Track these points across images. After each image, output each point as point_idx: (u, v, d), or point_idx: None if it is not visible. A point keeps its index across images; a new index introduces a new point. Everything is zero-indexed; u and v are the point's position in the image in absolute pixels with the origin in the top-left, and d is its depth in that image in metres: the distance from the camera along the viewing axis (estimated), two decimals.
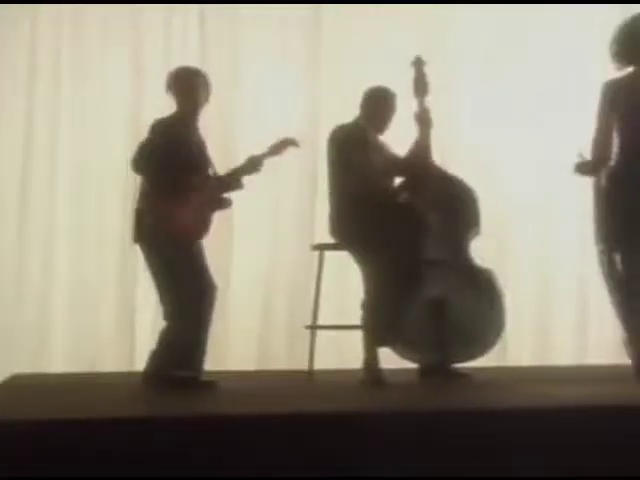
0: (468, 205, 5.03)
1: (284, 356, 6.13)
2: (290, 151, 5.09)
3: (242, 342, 6.20)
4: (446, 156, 5.97)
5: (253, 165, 4.91)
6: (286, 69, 6.42)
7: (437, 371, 5.00)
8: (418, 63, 5.13)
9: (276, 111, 6.26)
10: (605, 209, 4.44)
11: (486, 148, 6.38)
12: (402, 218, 4.80)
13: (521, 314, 6.28)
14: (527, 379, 5.01)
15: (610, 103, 4.28)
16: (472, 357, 5.02)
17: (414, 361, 5.08)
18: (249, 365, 6.04)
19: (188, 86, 4.80)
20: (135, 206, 4.78)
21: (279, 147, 5.00)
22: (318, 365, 5.32)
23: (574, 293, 6.46)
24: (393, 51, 6.12)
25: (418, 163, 5.00)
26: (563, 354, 6.29)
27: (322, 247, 5.29)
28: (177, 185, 4.62)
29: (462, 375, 4.98)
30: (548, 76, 6.40)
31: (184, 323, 4.62)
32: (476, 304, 4.94)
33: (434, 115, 5.06)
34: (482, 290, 4.97)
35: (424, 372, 5.06)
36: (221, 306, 5.94)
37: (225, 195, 4.89)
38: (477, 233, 5.11)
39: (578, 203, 5.82)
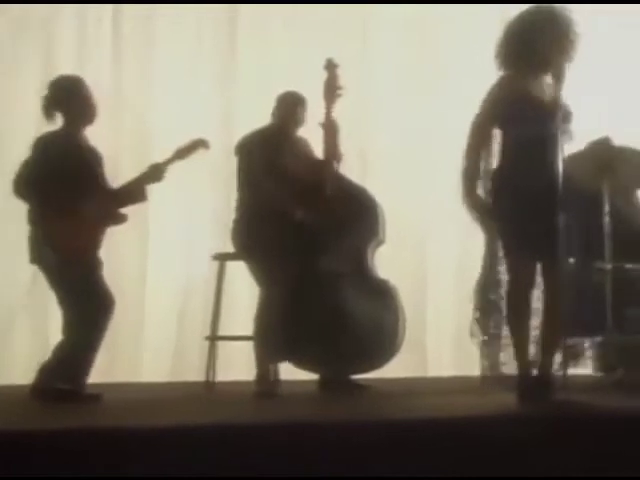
0: (367, 215, 4.91)
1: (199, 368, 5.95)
2: (201, 153, 4.88)
3: (156, 353, 6.05)
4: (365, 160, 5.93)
5: (155, 173, 4.68)
6: (201, 70, 6.28)
7: (337, 383, 4.90)
8: (330, 66, 5.00)
9: (191, 113, 6.11)
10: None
11: (406, 153, 6.28)
12: (298, 230, 4.73)
13: (442, 324, 6.20)
14: (440, 390, 4.93)
15: (490, 112, 4.11)
16: (371, 368, 4.90)
17: (314, 372, 4.97)
18: (162, 377, 5.88)
19: (74, 98, 4.58)
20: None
21: (186, 151, 4.78)
22: (239, 376, 5.24)
23: None
24: (310, 53, 6.00)
25: (320, 172, 4.89)
26: None
27: (222, 257, 5.20)
28: (63, 203, 4.42)
29: (362, 387, 4.89)
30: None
31: (76, 337, 4.48)
32: (374, 315, 4.82)
33: (354, 117, 4.96)
34: (380, 301, 4.85)
35: (324, 384, 4.96)
36: (137, 316, 5.96)
37: (123, 209, 4.67)
38: (378, 243, 5.00)
39: None
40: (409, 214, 6.14)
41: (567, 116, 3.98)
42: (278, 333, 4.70)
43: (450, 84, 6.29)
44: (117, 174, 4.93)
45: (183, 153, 4.77)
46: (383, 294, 4.86)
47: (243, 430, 3.43)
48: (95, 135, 4.73)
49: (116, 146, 5.80)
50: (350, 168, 5.12)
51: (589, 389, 4.55)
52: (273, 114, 5.05)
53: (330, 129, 4.91)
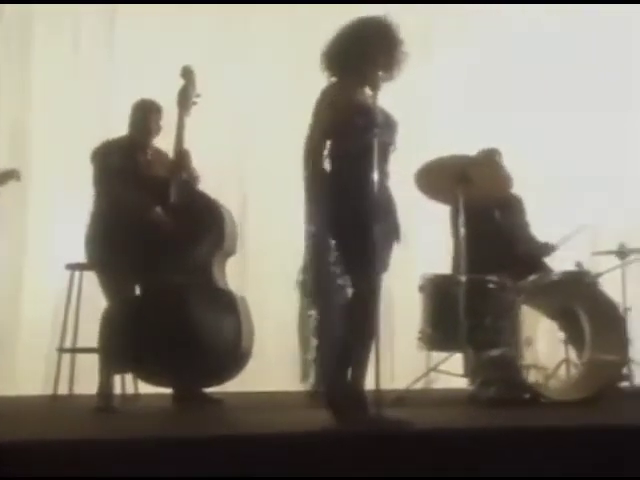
0: (213, 226, 4.76)
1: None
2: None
3: (32, 363, 5.86)
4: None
5: None
6: (78, 70, 6.12)
7: (189, 397, 4.78)
8: (186, 73, 4.89)
9: (68, 113, 5.98)
10: None
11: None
12: (144, 241, 4.61)
13: None
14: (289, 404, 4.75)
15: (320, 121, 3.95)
16: (220, 380, 4.77)
17: (161, 386, 4.84)
18: (37, 388, 5.63)
19: None
20: None
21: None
22: None
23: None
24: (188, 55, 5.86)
25: (167, 180, 4.78)
26: None
27: (73, 267, 5.08)
28: None
29: (215, 401, 4.77)
30: None
31: None
32: (219, 327, 4.67)
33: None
34: (225, 313, 4.71)
35: (177, 398, 4.83)
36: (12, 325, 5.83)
37: None
38: (226, 254, 4.88)
39: None
40: None
41: (392, 126, 3.88)
42: (120, 346, 4.57)
43: None
44: None
45: None
46: (228, 306, 4.71)
47: (51, 446, 3.28)
48: None
49: None
50: None
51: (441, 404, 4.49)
52: (129, 123, 4.91)
53: (180, 137, 4.78)
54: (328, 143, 3.82)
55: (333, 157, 3.83)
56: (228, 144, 6.07)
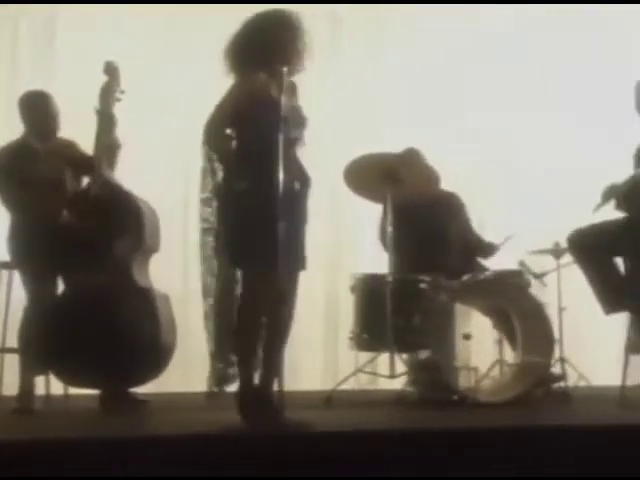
0: (131, 223, 4.65)
1: None
2: None
3: None
4: None
5: None
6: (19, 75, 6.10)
7: (115, 397, 4.71)
8: (109, 70, 4.76)
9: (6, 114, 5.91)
10: None
11: None
12: (61, 241, 4.54)
13: None
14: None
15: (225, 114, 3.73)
16: (143, 380, 4.68)
17: (85, 388, 4.77)
18: None
19: None
20: None
21: None
22: None
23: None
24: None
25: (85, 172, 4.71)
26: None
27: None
28: None
29: (140, 402, 4.70)
30: None
31: None
32: (140, 327, 4.57)
33: None
34: (146, 311, 4.61)
35: (103, 399, 4.76)
36: None
37: None
38: (147, 251, 4.80)
39: None
40: None
41: (300, 122, 3.82)
42: (39, 347, 4.51)
43: None
44: None
45: None
46: (147, 305, 4.63)
47: None
48: None
49: None
50: None
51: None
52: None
53: (101, 133, 4.69)
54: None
55: (237, 152, 3.78)
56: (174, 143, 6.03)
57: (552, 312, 5.20)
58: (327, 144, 5.75)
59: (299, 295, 5.85)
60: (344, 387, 4.87)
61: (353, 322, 4.95)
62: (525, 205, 6.11)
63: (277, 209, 3.55)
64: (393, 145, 5.42)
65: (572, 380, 5.16)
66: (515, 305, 4.80)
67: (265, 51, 3.76)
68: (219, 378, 4.65)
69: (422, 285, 4.90)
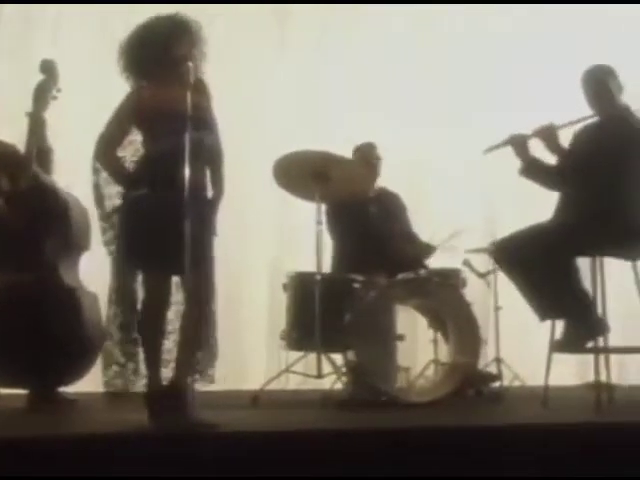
0: (58, 221, 4.61)
1: None
2: None
3: None
4: None
5: None
6: None
7: (44, 396, 4.67)
8: (47, 68, 4.69)
9: None
10: None
11: None
12: None
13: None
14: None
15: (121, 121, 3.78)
16: (70, 379, 4.62)
17: (12, 388, 4.72)
18: None
19: None
20: None
21: None
22: None
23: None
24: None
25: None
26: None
27: None
28: None
29: (69, 401, 4.66)
30: None
31: None
32: (66, 326, 4.50)
33: None
34: (72, 311, 4.56)
35: (30, 398, 4.71)
36: None
37: None
38: (77, 249, 4.75)
39: None
40: None
41: (206, 125, 3.77)
42: None
43: None
44: None
45: None
46: (74, 303, 4.58)
47: None
48: None
49: None
50: None
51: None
52: None
53: (33, 132, 4.64)
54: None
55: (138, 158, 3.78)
56: None
57: (489, 311, 5.22)
58: (274, 142, 5.74)
59: (245, 296, 5.96)
60: (274, 387, 4.84)
61: (285, 321, 4.91)
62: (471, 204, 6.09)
63: (174, 212, 3.51)
64: (340, 141, 5.46)
65: (507, 380, 5.14)
66: (445, 304, 4.75)
67: (161, 54, 3.74)
68: (125, 378, 4.60)
69: (355, 284, 4.87)
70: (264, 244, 6.09)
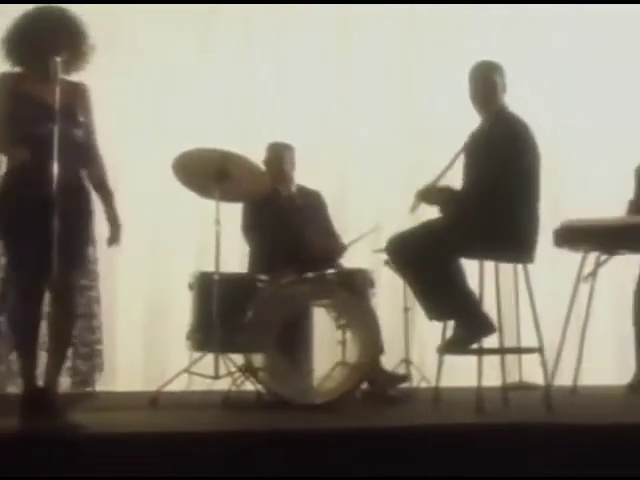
0: None
1: None
2: None
3: None
4: None
5: None
6: None
7: None
8: None
9: None
10: None
11: None
12: None
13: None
14: None
15: None
16: None
17: None
18: None
19: None
20: None
21: None
22: None
23: None
24: None
25: None
26: None
27: None
28: None
29: None
30: None
31: None
32: None
33: None
34: None
35: None
36: None
37: None
38: None
39: None
40: None
41: (71, 115, 3.65)
42: None
43: None
44: None
45: None
46: None
47: None
48: None
49: None
50: None
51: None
52: None
53: None
54: None
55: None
56: None
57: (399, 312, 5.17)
58: (198, 139, 5.67)
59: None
60: (175, 388, 4.79)
61: (190, 321, 4.85)
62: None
63: (43, 208, 3.44)
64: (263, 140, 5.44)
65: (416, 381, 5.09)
66: (346, 305, 4.70)
67: (35, 44, 3.66)
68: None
69: (259, 284, 4.81)
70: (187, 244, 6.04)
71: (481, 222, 4.15)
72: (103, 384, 4.04)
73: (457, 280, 4.18)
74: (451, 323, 4.29)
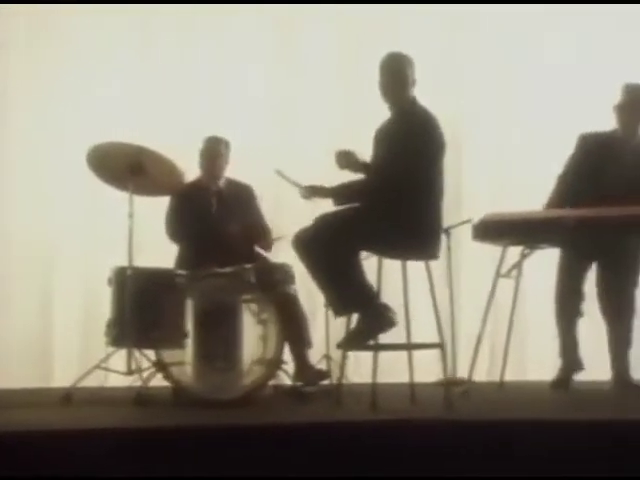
0: None
1: None
2: None
3: None
4: None
5: None
6: None
7: None
8: None
9: None
10: None
11: None
12: None
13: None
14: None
15: None
16: None
17: None
18: None
19: None
20: None
21: None
22: None
23: None
24: None
25: None
26: None
27: None
28: None
29: None
30: None
31: None
32: None
33: None
34: None
35: None
36: None
37: None
38: None
39: None
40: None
41: None
42: None
43: None
44: None
45: None
46: None
47: None
48: None
49: None
50: None
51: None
52: None
53: None
54: None
55: None
56: None
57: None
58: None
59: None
60: (91, 384, 4.77)
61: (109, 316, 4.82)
62: None
63: None
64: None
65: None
66: (263, 299, 4.71)
67: None
68: None
69: (177, 279, 4.78)
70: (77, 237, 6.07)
71: (385, 215, 4.13)
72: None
73: (355, 273, 4.15)
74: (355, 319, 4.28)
